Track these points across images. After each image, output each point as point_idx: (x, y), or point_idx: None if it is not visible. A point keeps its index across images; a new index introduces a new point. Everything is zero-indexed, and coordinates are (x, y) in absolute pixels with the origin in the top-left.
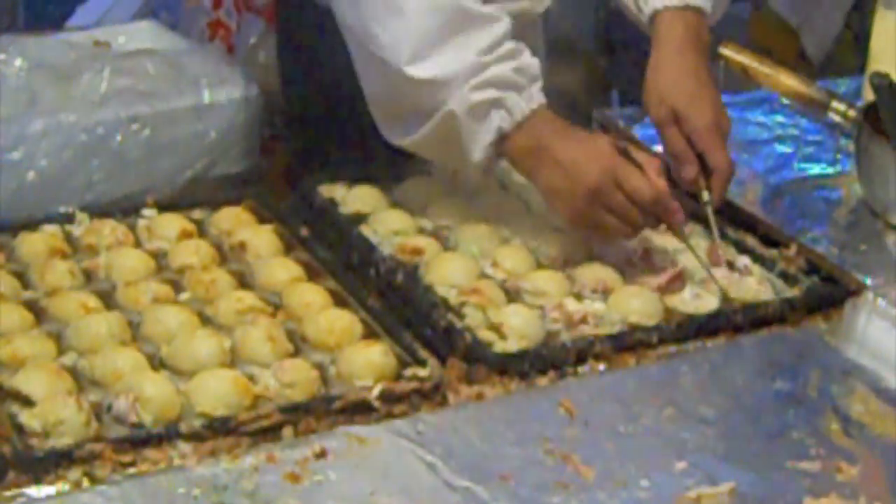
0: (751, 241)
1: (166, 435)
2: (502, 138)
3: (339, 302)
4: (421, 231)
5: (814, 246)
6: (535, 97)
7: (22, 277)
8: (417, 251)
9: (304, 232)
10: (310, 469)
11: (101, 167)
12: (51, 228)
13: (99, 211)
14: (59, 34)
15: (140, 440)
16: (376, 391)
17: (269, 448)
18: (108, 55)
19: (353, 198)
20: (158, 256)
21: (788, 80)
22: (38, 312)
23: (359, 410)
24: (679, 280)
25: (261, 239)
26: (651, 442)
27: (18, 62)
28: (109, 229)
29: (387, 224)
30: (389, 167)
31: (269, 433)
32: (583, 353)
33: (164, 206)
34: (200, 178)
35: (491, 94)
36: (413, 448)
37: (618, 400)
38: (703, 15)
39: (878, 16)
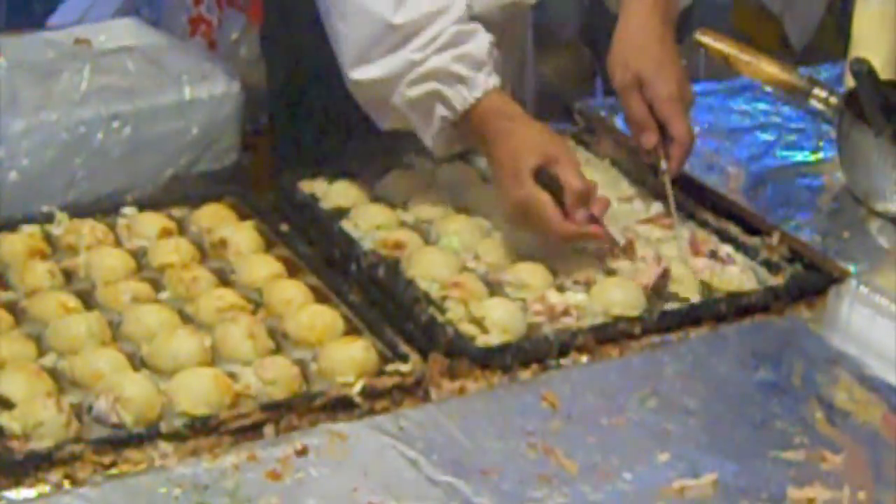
0: (733, 229)
1: (147, 435)
2: (452, 125)
3: (321, 298)
4: (402, 225)
5: (797, 234)
6: (479, 85)
7: (1, 279)
8: (399, 245)
9: (284, 228)
10: (291, 467)
11: (83, 165)
12: (30, 229)
13: (81, 210)
14: (39, 32)
15: (121, 441)
16: (358, 387)
17: (250, 446)
18: (89, 53)
19: (335, 193)
20: (138, 255)
21: (769, 68)
22: (17, 314)
23: (340, 407)
24: (665, 278)
25: (241, 236)
26: (634, 434)
27: None
28: (89, 229)
29: (368, 219)
30: (371, 162)
31: (251, 431)
32: (565, 346)
33: (143, 205)
34: (183, 175)
35: (430, 87)
36: (395, 444)
37: (601, 392)
38: None
39: (858, 2)
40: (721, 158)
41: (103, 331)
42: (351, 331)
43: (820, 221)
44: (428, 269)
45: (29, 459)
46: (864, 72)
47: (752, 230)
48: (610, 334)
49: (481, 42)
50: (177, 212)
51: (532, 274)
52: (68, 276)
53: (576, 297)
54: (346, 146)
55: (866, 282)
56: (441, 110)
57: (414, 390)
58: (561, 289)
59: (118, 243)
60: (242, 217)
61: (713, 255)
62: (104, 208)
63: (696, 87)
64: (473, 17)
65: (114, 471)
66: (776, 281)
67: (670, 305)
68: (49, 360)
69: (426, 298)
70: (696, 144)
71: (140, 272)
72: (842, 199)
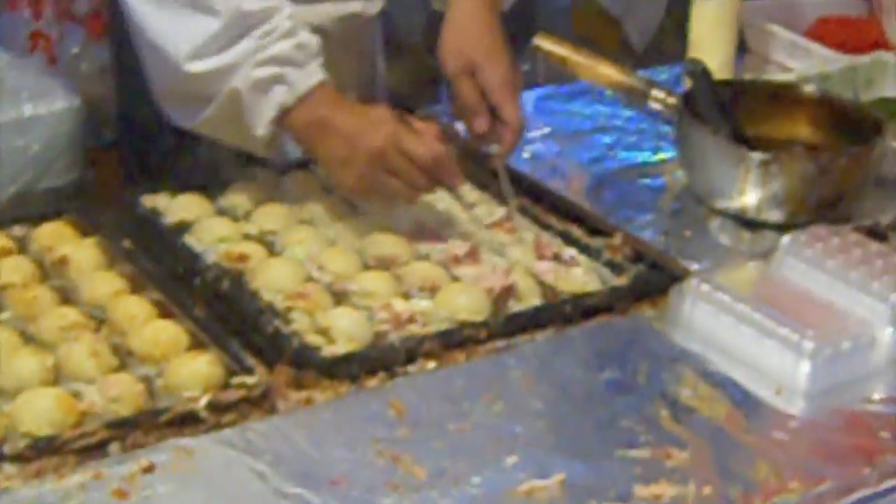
0: (576, 231)
1: None
2: (285, 113)
3: (165, 313)
4: (246, 237)
5: (640, 234)
6: (315, 73)
7: None
8: (243, 258)
9: (127, 244)
10: (138, 484)
11: None
12: None
13: None
14: None
15: None
16: (203, 401)
17: (95, 465)
18: None
19: (177, 206)
20: None
21: (607, 70)
22: None
23: (187, 422)
24: (510, 291)
25: (83, 253)
26: (482, 438)
27: None
28: None
29: (211, 232)
30: (215, 175)
31: (96, 450)
32: (412, 353)
33: None
34: (25, 193)
35: (272, 70)
36: (241, 457)
37: (447, 398)
38: None
39: (695, 4)
40: (563, 161)
41: None
42: (196, 345)
43: (662, 221)
44: (272, 280)
45: None
46: (698, 72)
47: (596, 232)
48: (456, 340)
49: (311, 36)
50: (17, 230)
51: (377, 282)
52: None
53: (421, 303)
54: (193, 160)
55: (708, 279)
56: (279, 94)
57: (261, 403)
58: (406, 296)
59: None
60: (84, 234)
61: (556, 257)
62: None
63: (536, 92)
64: (314, 30)
65: None
66: (620, 281)
67: (516, 308)
68: None
69: (271, 310)
70: (527, 132)
71: None
72: (683, 199)
